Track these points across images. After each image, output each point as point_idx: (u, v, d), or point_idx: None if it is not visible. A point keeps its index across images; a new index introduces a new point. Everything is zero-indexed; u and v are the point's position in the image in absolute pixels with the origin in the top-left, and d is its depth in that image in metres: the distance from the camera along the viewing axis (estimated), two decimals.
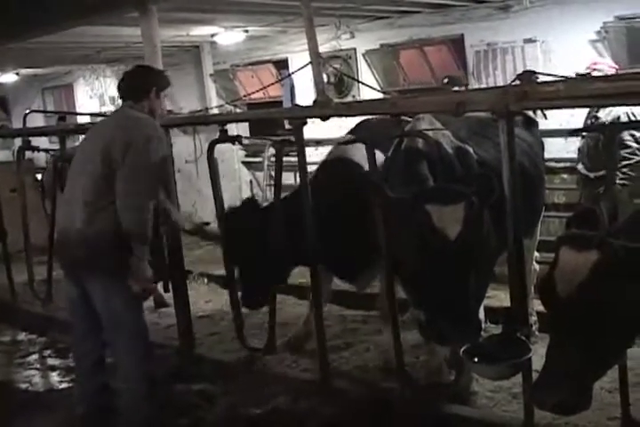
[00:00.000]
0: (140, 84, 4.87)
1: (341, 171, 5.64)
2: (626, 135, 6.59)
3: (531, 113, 5.91)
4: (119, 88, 4.92)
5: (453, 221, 3.92)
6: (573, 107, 4.23)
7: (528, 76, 4.16)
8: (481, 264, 4.23)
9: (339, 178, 5.60)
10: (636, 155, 6.70)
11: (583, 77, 4.25)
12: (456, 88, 8.29)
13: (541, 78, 4.29)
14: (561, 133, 7.22)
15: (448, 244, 3.91)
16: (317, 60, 5.02)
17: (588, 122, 6.91)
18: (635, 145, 6.67)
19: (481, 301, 4.91)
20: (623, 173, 6.63)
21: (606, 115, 6.67)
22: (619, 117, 6.60)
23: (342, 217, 5.38)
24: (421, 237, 3.99)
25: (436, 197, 4.01)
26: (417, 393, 4.98)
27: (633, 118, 6.58)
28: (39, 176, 11.19)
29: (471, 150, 4.91)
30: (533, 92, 3.88)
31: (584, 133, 6.75)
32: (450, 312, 3.93)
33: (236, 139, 5.59)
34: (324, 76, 10.50)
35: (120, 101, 4.94)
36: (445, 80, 8.75)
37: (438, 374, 5.23)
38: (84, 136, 5.08)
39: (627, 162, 6.67)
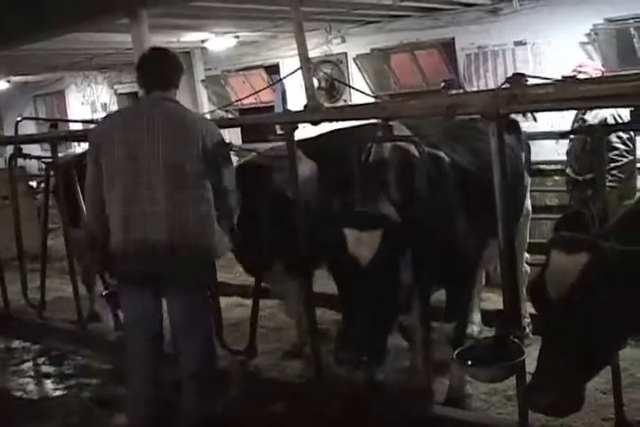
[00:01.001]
0: (171, 71, 4.67)
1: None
2: (613, 137, 6.61)
3: (520, 115, 5.93)
4: (147, 76, 4.63)
5: (368, 247, 4.00)
6: (563, 109, 4.25)
7: (518, 78, 4.16)
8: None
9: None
10: (624, 156, 6.72)
11: (572, 80, 4.24)
12: (454, 91, 8.26)
13: (531, 81, 4.31)
14: (550, 136, 7.26)
15: (358, 268, 4.01)
16: (307, 65, 5.03)
17: (576, 125, 6.92)
18: (622, 147, 6.69)
19: (459, 305, 5.02)
20: (612, 176, 6.64)
21: (593, 117, 6.69)
22: (605, 120, 6.62)
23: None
24: (336, 258, 4.10)
25: (356, 221, 4.10)
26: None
27: (619, 120, 6.60)
28: (32, 183, 11.26)
29: (443, 155, 4.90)
30: (523, 95, 3.88)
31: (572, 136, 6.78)
32: (356, 334, 3.99)
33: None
34: (316, 81, 10.53)
35: (143, 92, 4.67)
36: (442, 84, 8.76)
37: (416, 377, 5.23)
38: (103, 146, 4.54)
39: (615, 164, 6.69)
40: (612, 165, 6.66)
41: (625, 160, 6.74)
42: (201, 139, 4.46)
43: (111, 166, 4.47)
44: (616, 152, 6.71)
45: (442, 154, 4.88)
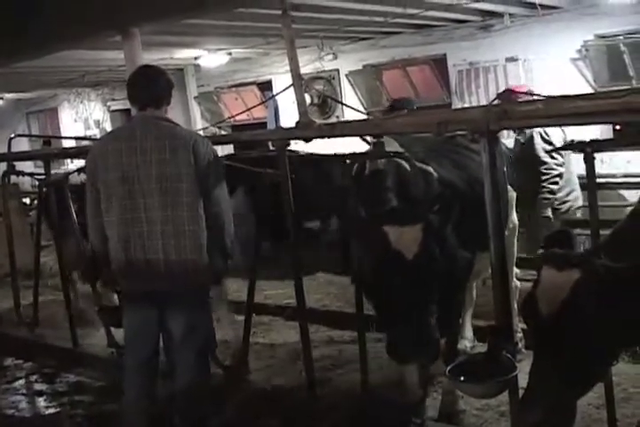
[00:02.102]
0: (163, 89, 4.74)
1: None
2: (541, 152, 6.82)
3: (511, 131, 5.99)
4: (139, 93, 4.69)
5: (410, 242, 4.00)
6: (553, 125, 4.27)
7: (508, 95, 4.19)
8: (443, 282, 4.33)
9: None
10: (554, 169, 6.89)
11: (563, 96, 4.26)
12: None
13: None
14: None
15: (405, 264, 4.00)
16: (299, 82, 5.04)
17: (513, 145, 7.11)
18: (550, 160, 6.86)
19: (450, 319, 4.99)
20: (543, 188, 6.84)
21: (524, 136, 6.89)
22: (532, 137, 6.80)
23: None
24: (379, 258, 4.05)
25: (394, 218, 4.10)
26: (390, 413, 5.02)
27: (546, 137, 6.79)
28: (25, 200, 11.24)
29: (431, 170, 4.92)
30: (513, 111, 3.91)
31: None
32: (407, 331, 3.99)
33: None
34: (308, 98, 10.57)
35: (135, 110, 4.74)
36: (389, 104, 8.69)
37: (408, 394, 5.21)
38: (98, 166, 4.64)
39: (546, 177, 6.93)
40: (543, 177, 6.85)
41: (554, 173, 6.89)
42: (194, 157, 4.54)
43: (107, 190, 4.56)
44: (545, 166, 6.99)
45: (431, 169, 4.91)
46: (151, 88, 4.68)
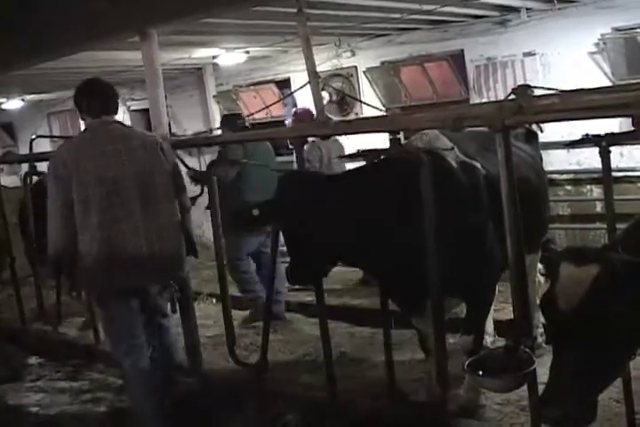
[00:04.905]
0: (116, 97, 5.18)
1: None
2: None
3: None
4: (98, 101, 5.04)
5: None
6: (569, 119, 4.25)
7: (523, 90, 4.19)
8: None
9: None
10: None
11: (579, 90, 4.26)
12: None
13: (538, 92, 4.33)
14: (556, 146, 7.28)
15: None
16: (316, 80, 5.07)
17: None
18: None
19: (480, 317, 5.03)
20: None
21: None
22: None
23: None
24: None
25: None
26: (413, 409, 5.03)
27: None
28: None
29: (479, 166, 4.93)
30: (529, 105, 3.91)
31: None
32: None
33: (233, 161, 5.67)
34: (327, 95, 10.58)
35: (90, 118, 5.07)
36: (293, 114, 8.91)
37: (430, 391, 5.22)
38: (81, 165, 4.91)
39: None
40: None
41: None
42: (162, 154, 5.06)
43: (83, 193, 4.80)
44: None
45: (477, 164, 4.92)
46: (109, 97, 5.11)
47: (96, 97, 5.06)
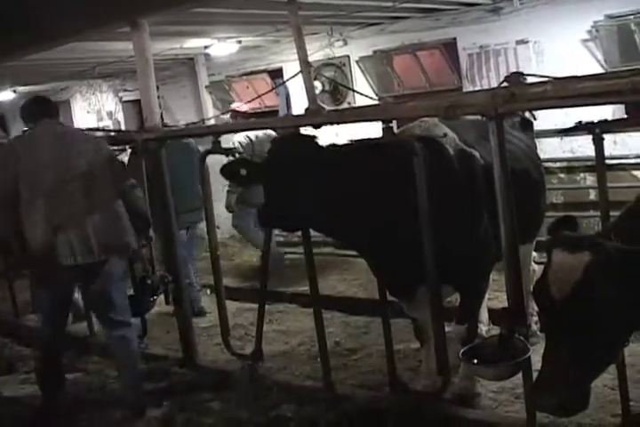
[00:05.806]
0: (57, 106, 6.11)
1: None
2: None
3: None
4: (42, 108, 5.74)
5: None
6: (562, 107, 4.24)
7: (516, 77, 4.18)
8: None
9: None
10: None
11: (571, 77, 4.25)
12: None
13: (530, 79, 4.33)
14: (549, 134, 7.28)
15: None
16: (308, 69, 5.05)
17: None
18: None
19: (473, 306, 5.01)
20: None
21: None
22: None
23: None
24: None
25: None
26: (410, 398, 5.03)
27: None
28: None
29: (477, 154, 4.93)
30: (521, 93, 3.91)
31: None
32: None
33: (228, 151, 5.67)
34: (319, 84, 10.54)
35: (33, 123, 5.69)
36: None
37: (428, 379, 5.23)
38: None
39: None
40: None
41: None
42: (100, 149, 5.58)
43: (32, 181, 5.32)
44: None
45: (476, 153, 4.91)
46: (51, 104, 5.94)
47: (35, 105, 5.78)
